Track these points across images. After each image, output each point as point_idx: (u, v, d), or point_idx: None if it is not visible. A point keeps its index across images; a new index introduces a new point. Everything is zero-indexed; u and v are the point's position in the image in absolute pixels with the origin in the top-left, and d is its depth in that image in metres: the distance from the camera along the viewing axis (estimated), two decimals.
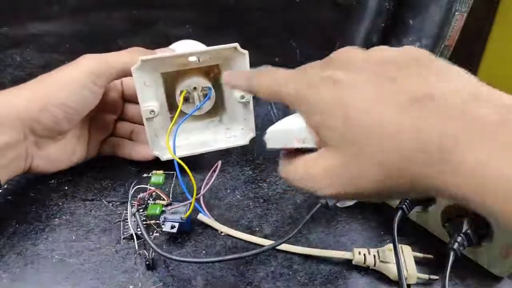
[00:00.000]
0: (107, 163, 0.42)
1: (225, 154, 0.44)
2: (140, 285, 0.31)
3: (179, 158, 0.35)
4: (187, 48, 0.44)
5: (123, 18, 0.68)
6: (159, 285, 0.32)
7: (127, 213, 0.35)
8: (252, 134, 0.42)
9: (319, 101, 0.23)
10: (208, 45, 0.40)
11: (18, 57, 0.58)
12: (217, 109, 0.43)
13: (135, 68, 0.35)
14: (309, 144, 0.25)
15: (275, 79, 0.26)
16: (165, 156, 0.40)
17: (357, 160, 0.21)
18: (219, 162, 0.36)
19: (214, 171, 0.36)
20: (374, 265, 0.33)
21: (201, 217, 0.36)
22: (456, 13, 0.41)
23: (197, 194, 0.34)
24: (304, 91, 0.24)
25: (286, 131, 0.26)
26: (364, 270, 0.34)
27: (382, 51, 0.24)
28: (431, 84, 0.20)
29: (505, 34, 0.56)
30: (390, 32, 0.44)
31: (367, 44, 0.45)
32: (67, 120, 0.36)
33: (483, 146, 0.18)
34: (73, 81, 0.35)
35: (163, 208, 0.35)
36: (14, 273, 0.32)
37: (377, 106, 0.21)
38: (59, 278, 0.31)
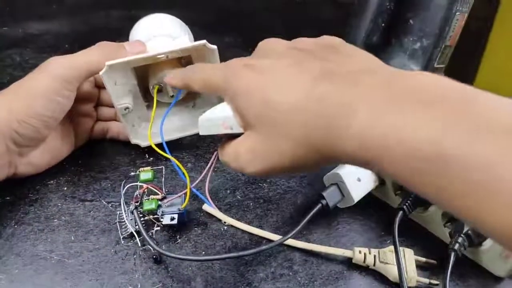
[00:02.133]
0: (107, 164, 0.41)
1: None
2: (139, 286, 0.31)
3: (160, 143, 0.35)
4: (154, 28, 0.43)
5: (122, 18, 0.68)
6: (158, 286, 0.31)
7: (121, 213, 0.35)
8: None
9: (242, 86, 0.25)
10: None
11: (17, 57, 0.57)
12: (191, 94, 0.43)
13: (103, 73, 0.35)
14: (236, 130, 0.27)
15: (204, 71, 0.30)
16: (144, 143, 0.41)
17: (271, 137, 0.24)
18: (216, 153, 0.36)
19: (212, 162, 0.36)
20: (374, 265, 0.33)
21: (206, 207, 0.37)
22: (457, 13, 0.41)
23: (191, 183, 0.34)
24: (229, 78, 0.26)
25: (214, 119, 0.29)
26: (365, 271, 0.33)
27: (303, 41, 0.27)
28: (339, 63, 0.23)
29: (505, 34, 0.56)
30: (390, 32, 0.44)
31: (368, 44, 0.45)
32: (45, 127, 0.36)
33: (367, 106, 0.20)
34: (47, 90, 0.35)
35: (159, 202, 0.35)
36: (13, 274, 0.31)
37: (291, 87, 0.23)
38: (58, 279, 0.31)
